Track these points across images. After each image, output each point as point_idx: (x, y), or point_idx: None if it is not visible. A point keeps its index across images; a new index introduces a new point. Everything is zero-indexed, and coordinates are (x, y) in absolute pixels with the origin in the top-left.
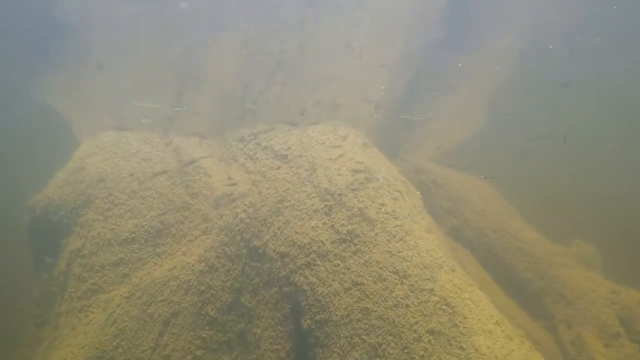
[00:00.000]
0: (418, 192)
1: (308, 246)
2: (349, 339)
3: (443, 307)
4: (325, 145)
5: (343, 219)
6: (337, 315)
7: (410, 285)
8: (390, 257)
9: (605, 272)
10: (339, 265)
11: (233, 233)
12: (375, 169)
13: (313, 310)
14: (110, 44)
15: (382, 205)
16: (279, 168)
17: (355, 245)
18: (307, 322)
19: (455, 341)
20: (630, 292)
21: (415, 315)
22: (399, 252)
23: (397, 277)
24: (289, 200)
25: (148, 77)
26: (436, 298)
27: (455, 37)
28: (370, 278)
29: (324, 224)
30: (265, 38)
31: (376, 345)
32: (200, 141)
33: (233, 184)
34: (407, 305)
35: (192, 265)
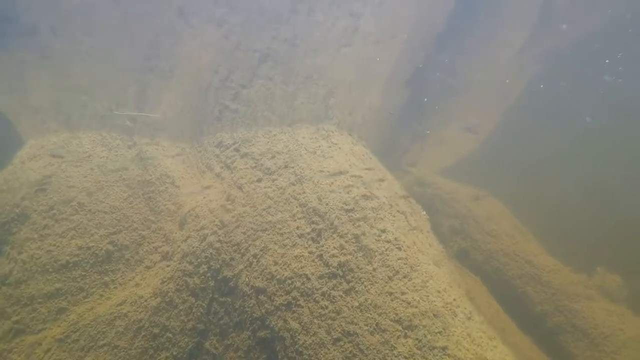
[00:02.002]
0: (424, 212)
1: (290, 281)
2: None
3: None
4: (316, 155)
5: (334, 248)
6: None
7: (417, 340)
8: (392, 300)
9: (633, 307)
10: (326, 307)
11: (199, 260)
12: (375, 184)
13: None
14: (62, 32)
15: (383, 231)
16: (259, 180)
17: (348, 282)
18: None
19: None
20: None
21: None
22: (403, 293)
23: (400, 328)
24: (270, 222)
25: (106, 68)
26: None
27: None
28: (366, 327)
29: (311, 253)
30: (250, 27)
31: None
32: (170, 145)
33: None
34: None
35: (146, 301)
